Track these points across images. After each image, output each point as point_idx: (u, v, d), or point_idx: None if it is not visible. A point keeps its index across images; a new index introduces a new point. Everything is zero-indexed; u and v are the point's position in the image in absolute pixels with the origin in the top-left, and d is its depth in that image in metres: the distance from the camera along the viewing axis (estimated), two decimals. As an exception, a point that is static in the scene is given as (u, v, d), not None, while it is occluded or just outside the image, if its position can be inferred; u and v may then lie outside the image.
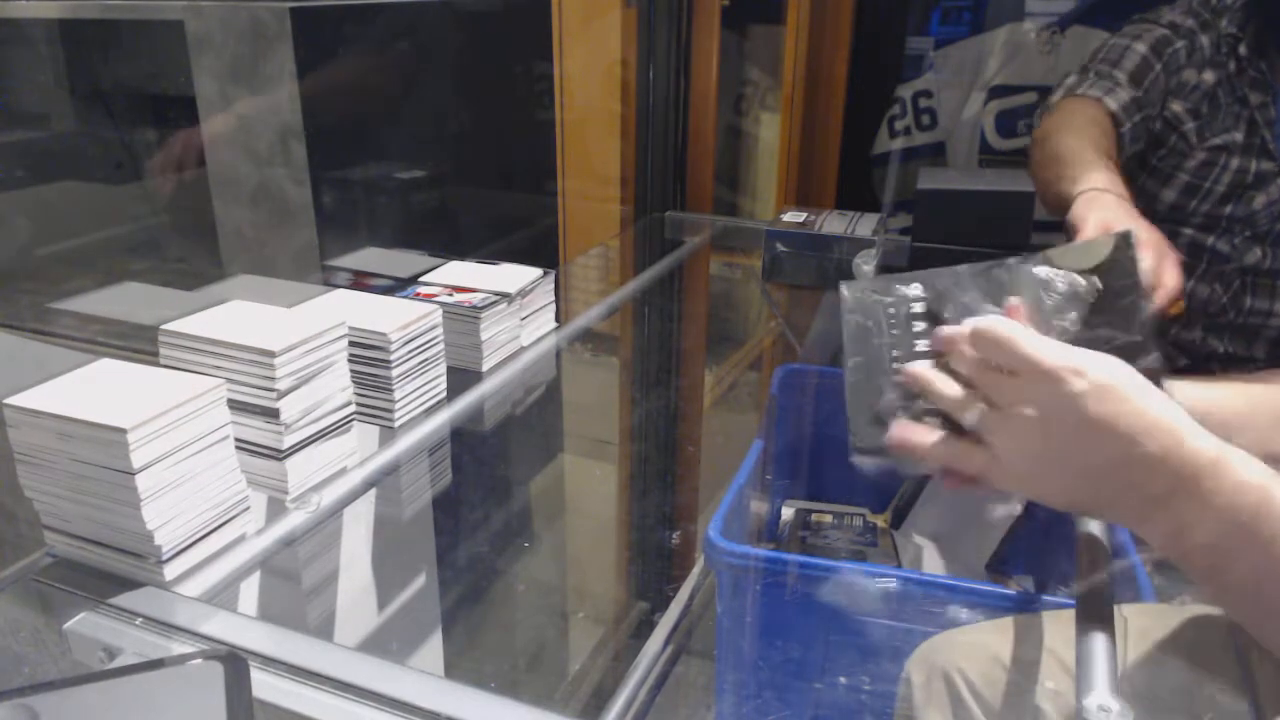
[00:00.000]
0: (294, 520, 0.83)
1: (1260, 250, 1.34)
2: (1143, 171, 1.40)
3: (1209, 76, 1.30)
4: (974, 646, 0.71)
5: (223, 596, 0.73)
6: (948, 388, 0.62)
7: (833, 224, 1.43)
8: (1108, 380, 0.55)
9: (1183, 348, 1.44)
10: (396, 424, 0.98)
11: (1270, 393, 0.67)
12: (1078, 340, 0.62)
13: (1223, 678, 0.64)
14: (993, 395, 0.60)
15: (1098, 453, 0.55)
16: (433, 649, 0.98)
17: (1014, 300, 0.64)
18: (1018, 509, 0.99)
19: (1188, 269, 1.38)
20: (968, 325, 0.61)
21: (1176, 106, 1.32)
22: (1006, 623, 0.72)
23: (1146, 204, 1.39)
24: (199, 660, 0.53)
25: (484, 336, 1.10)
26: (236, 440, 0.77)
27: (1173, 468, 0.53)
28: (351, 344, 0.89)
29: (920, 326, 0.67)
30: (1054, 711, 0.64)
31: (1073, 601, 0.64)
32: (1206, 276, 1.39)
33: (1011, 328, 0.59)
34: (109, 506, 0.70)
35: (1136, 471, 0.54)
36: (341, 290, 1.04)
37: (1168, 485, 0.53)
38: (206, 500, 0.74)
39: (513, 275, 1.18)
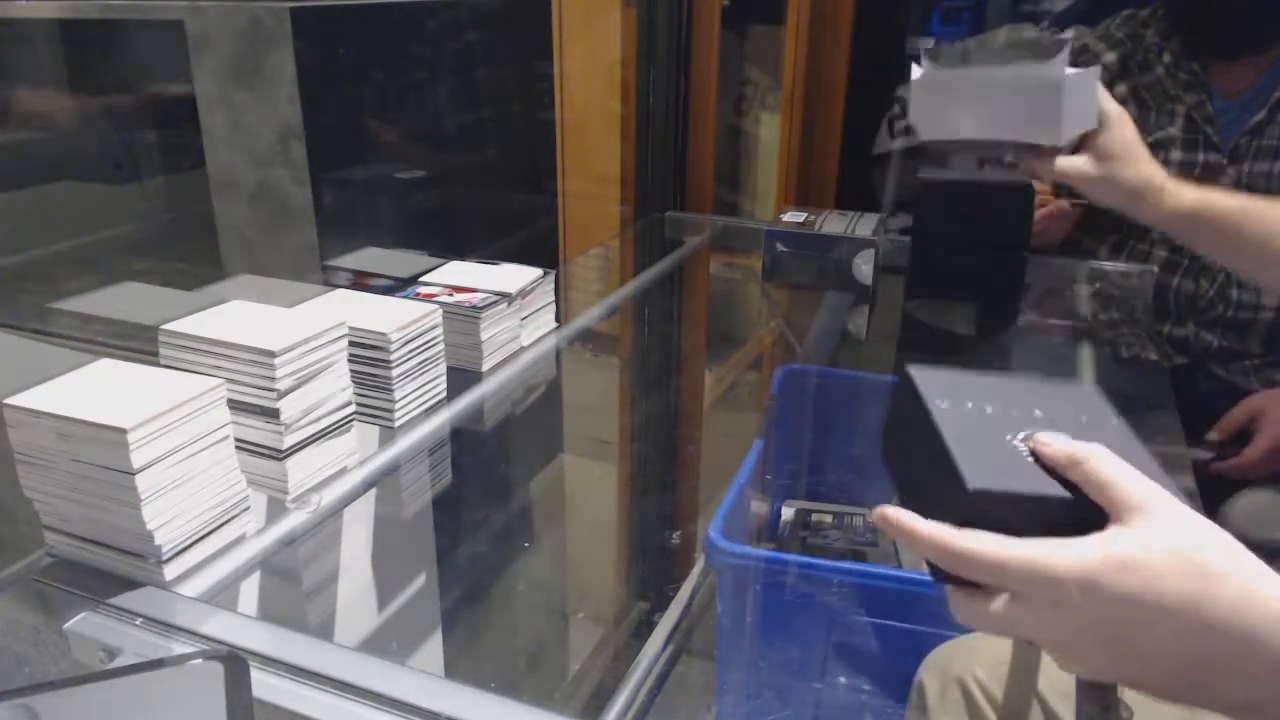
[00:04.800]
0: (294, 520, 0.83)
1: None
2: None
3: (1121, 89, 1.45)
4: (988, 653, 0.71)
5: (223, 596, 0.73)
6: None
7: (833, 224, 1.43)
8: (1138, 587, 0.43)
9: (1176, 344, 1.45)
10: (396, 424, 0.98)
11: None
12: None
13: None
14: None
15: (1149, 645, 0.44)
16: (433, 649, 0.98)
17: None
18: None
19: (1170, 267, 1.45)
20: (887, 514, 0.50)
21: None
22: None
23: (1103, 212, 1.46)
24: (199, 660, 0.53)
25: (484, 336, 1.10)
26: (236, 440, 0.77)
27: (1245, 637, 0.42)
28: (351, 344, 0.89)
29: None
30: (1070, 716, 0.64)
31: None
32: (1190, 272, 1.42)
33: (970, 539, 0.46)
34: (109, 506, 0.70)
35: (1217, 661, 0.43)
36: (341, 290, 1.04)
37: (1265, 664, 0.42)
38: (206, 500, 0.74)
39: (513, 275, 1.18)
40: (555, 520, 1.25)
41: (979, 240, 1.35)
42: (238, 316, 0.86)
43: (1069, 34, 1.07)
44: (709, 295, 1.84)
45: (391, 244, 1.68)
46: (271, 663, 0.64)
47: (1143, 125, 1.42)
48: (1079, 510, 0.47)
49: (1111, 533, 0.45)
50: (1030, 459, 0.49)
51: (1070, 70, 0.97)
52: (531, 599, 1.12)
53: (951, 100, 1.01)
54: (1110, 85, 1.46)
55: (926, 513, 0.49)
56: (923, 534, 0.47)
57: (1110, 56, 1.46)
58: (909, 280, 1.41)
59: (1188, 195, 0.97)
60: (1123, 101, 1.45)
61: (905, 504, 0.50)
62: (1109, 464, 0.46)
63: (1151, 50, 1.43)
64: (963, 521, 0.47)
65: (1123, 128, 1.00)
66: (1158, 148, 1.40)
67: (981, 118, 1.01)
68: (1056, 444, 0.48)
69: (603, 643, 1.13)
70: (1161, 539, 0.44)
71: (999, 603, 0.46)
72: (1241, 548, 0.45)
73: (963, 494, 0.47)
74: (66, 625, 0.68)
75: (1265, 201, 0.93)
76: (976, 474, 0.47)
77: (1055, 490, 0.47)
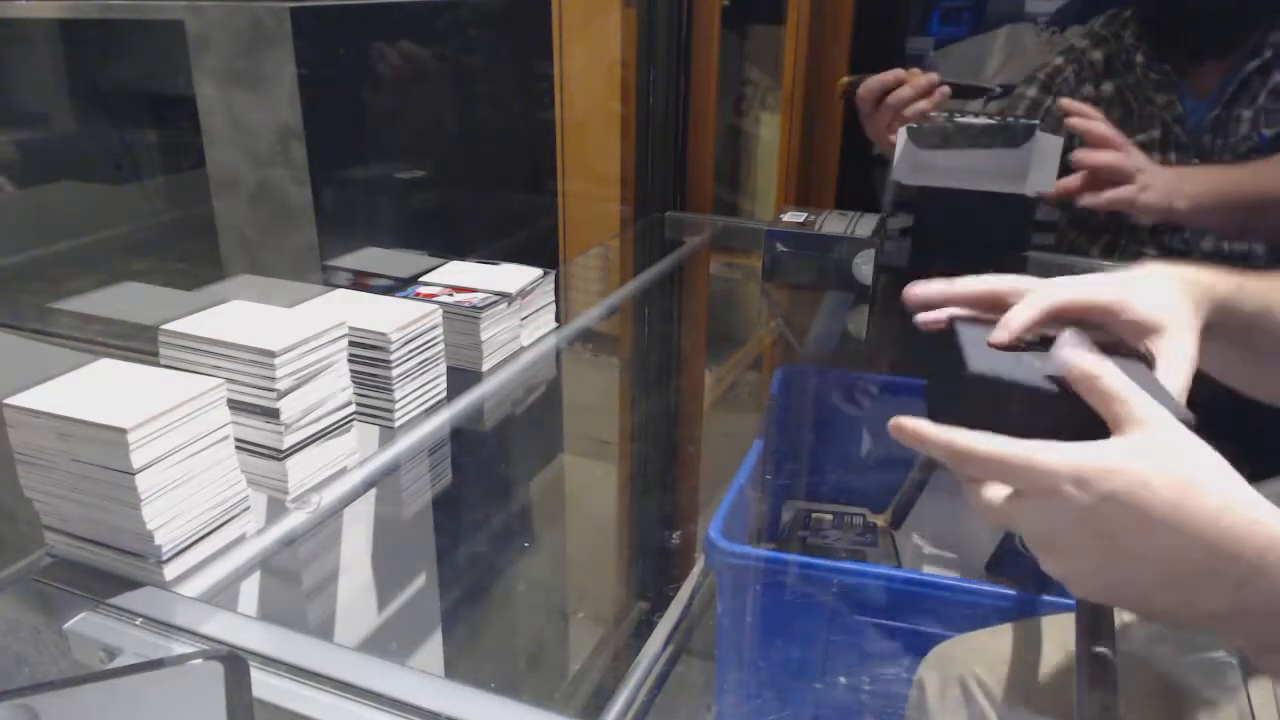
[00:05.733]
0: (294, 520, 0.83)
1: (1212, 235, 1.40)
2: None
3: (1108, 87, 1.45)
4: (988, 651, 0.71)
5: (223, 596, 0.73)
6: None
7: (833, 224, 1.43)
8: (1124, 488, 0.46)
9: None
10: (396, 424, 0.98)
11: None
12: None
13: (1221, 680, 0.64)
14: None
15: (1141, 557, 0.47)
16: (433, 649, 0.98)
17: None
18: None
19: None
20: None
21: None
22: (1021, 626, 0.72)
23: (1087, 213, 1.47)
24: (199, 660, 0.53)
25: (484, 336, 1.10)
26: (236, 440, 0.77)
27: (1233, 559, 0.45)
28: (351, 344, 0.89)
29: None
30: (1070, 715, 0.64)
31: (1072, 602, 0.64)
32: None
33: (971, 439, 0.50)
34: (109, 506, 0.70)
35: (1195, 576, 0.46)
36: (341, 290, 1.04)
37: (1236, 577, 0.45)
38: (206, 500, 0.74)
39: (513, 275, 1.18)
40: (555, 520, 1.25)
41: (979, 241, 1.35)
42: (238, 316, 0.86)
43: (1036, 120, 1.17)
44: (709, 295, 1.84)
45: (391, 244, 1.68)
46: (271, 663, 0.64)
47: (1126, 125, 1.42)
48: (1077, 415, 0.50)
49: (1109, 441, 0.48)
50: (1037, 365, 0.52)
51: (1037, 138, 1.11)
52: (531, 599, 1.12)
53: (929, 175, 1.20)
54: (1096, 84, 1.46)
55: (942, 417, 0.52)
56: (928, 435, 0.51)
57: (1096, 54, 1.47)
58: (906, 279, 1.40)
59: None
60: (1109, 101, 1.45)
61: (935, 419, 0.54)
62: (1118, 382, 0.49)
63: (1129, 51, 1.44)
64: (967, 416, 0.50)
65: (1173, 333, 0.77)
66: (1142, 149, 1.41)
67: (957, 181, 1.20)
68: (1076, 356, 0.51)
69: (603, 643, 1.13)
70: (1154, 451, 0.47)
71: (999, 493, 0.50)
72: (1229, 468, 0.47)
73: (961, 380, 0.51)
74: (66, 625, 0.68)
75: None
76: (977, 361, 0.52)
77: (1049, 386, 0.51)
